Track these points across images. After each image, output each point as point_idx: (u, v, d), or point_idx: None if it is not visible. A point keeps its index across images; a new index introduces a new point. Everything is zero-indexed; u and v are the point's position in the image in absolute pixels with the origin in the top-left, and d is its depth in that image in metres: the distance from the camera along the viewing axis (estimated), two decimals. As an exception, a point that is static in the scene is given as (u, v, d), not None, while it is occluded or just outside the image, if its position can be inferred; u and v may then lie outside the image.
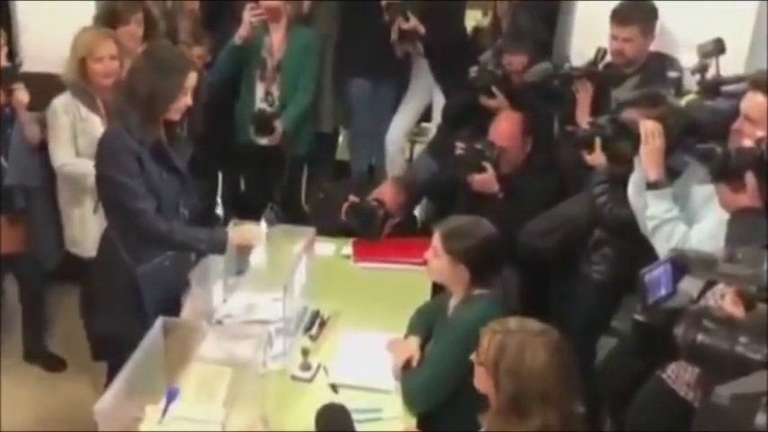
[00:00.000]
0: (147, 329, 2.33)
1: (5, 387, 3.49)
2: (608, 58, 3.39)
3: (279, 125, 3.96)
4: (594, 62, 3.37)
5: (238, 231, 2.73)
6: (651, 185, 2.40)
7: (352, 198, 3.50)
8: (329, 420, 2.24)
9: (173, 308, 2.64)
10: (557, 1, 3.95)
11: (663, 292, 1.57)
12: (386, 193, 3.55)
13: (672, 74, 3.22)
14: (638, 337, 1.60)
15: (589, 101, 3.33)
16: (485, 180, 3.31)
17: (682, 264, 1.63)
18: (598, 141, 2.63)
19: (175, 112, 2.63)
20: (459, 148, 3.36)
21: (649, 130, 2.38)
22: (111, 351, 2.69)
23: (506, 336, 1.89)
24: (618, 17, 3.32)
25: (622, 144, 2.50)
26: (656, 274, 1.59)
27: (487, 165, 3.30)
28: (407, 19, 3.90)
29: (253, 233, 2.75)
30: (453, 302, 2.54)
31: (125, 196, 2.56)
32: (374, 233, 3.44)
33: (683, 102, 2.58)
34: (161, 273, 2.67)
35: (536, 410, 1.83)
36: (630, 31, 3.31)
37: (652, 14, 3.37)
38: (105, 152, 2.62)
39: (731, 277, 1.63)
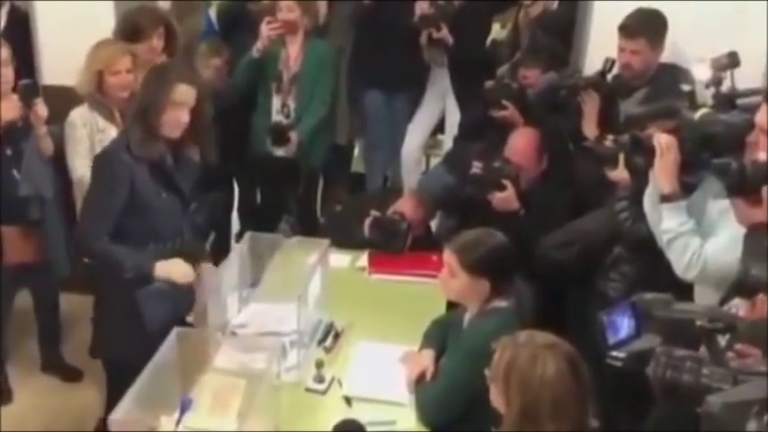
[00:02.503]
0: (151, 352, 2.31)
1: (21, 397, 3.52)
2: (616, 69, 3.37)
3: (294, 137, 3.98)
4: (602, 73, 3.36)
5: (164, 266, 2.68)
6: (665, 199, 2.39)
7: (374, 213, 3.48)
8: None
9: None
10: (572, 15, 3.95)
11: (623, 334, 1.61)
12: (406, 206, 3.54)
13: (685, 87, 3.20)
14: (612, 379, 1.65)
15: (596, 112, 3.31)
16: (506, 198, 3.29)
17: (641, 306, 1.66)
18: (621, 157, 2.62)
19: (170, 128, 2.60)
20: (476, 166, 3.35)
21: (664, 144, 2.37)
22: (116, 373, 2.69)
23: (516, 349, 1.89)
24: (626, 29, 3.29)
25: (638, 158, 2.49)
26: (615, 317, 1.64)
27: (507, 183, 3.29)
28: (440, 29, 3.90)
29: (179, 270, 2.72)
30: (468, 316, 2.54)
31: (90, 209, 2.65)
32: (398, 247, 3.42)
33: (698, 115, 2.57)
34: (161, 294, 2.67)
35: (548, 423, 1.82)
36: (638, 44, 3.28)
37: (661, 27, 3.33)
38: (98, 163, 2.68)
39: (688, 313, 1.67)
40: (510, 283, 2.51)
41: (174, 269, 2.70)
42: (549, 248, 3.10)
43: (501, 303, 2.48)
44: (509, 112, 3.55)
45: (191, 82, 2.63)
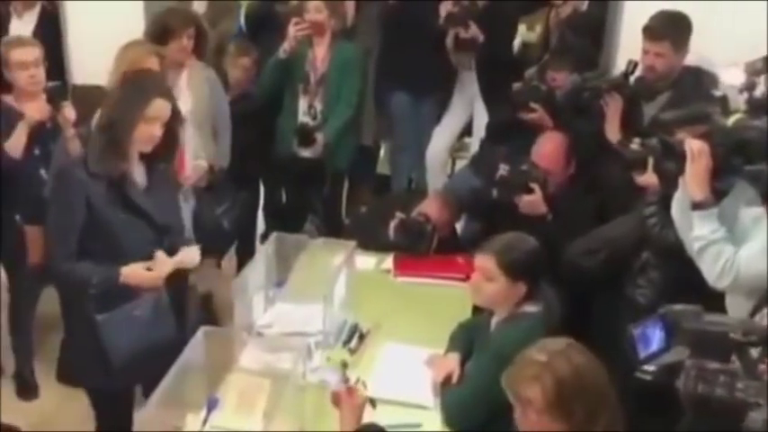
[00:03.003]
0: (115, 384, 2.30)
1: (47, 393, 3.55)
2: (639, 71, 3.32)
3: (321, 138, 3.98)
4: (625, 75, 3.32)
5: (129, 272, 2.46)
6: (697, 206, 2.34)
7: (399, 215, 3.46)
8: None
9: (150, 362, 2.35)
10: (602, 15, 3.91)
11: (654, 347, 1.58)
12: (431, 207, 3.52)
13: (717, 92, 3.15)
14: (642, 399, 1.62)
15: (619, 115, 3.26)
16: (533, 201, 3.25)
17: (671, 319, 1.62)
18: (650, 161, 2.58)
19: (142, 144, 2.44)
20: (503, 169, 3.31)
21: (696, 150, 2.32)
22: (92, 396, 2.62)
23: (550, 369, 1.84)
24: (650, 31, 3.25)
25: (668, 164, 2.45)
26: (644, 330, 1.61)
27: (535, 186, 3.26)
28: (468, 27, 3.85)
29: (142, 276, 2.48)
30: (496, 320, 2.52)
31: (51, 230, 2.52)
32: (423, 250, 3.41)
33: (731, 121, 2.53)
34: (128, 322, 2.46)
35: (601, 419, 1.81)
36: (662, 46, 3.23)
37: (685, 29, 3.27)
38: (55, 180, 2.57)
39: (719, 325, 1.63)
40: (539, 287, 2.49)
41: (138, 275, 2.46)
42: (577, 255, 3.06)
43: (531, 308, 2.46)
44: (538, 114, 3.52)
45: (167, 96, 2.48)
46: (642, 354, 1.58)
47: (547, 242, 2.60)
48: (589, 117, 3.46)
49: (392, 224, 3.44)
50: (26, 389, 3.66)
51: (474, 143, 4.37)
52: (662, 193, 2.66)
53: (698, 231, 2.34)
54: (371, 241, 3.43)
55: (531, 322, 2.41)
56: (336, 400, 2.20)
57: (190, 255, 2.58)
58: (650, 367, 1.65)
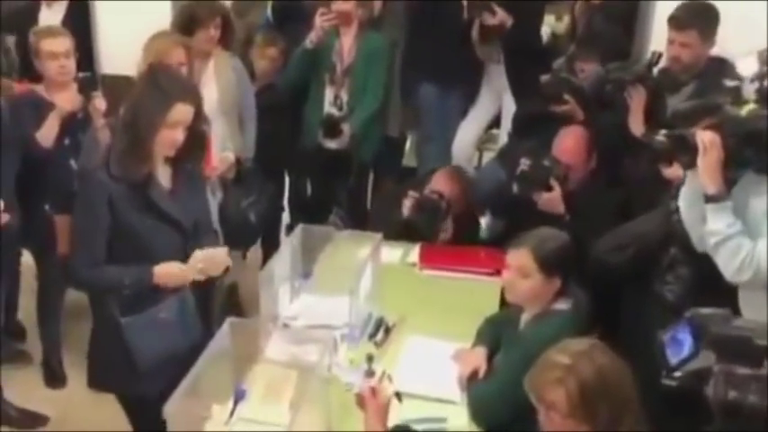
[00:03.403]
0: (142, 389, 2.26)
1: (74, 383, 3.58)
2: (663, 62, 3.25)
3: (347, 129, 3.97)
4: (648, 66, 3.25)
5: (162, 271, 2.39)
6: (710, 199, 2.28)
7: (412, 193, 3.43)
8: None
9: (177, 365, 2.25)
10: (634, 2, 3.82)
11: (685, 352, 1.54)
12: (442, 183, 3.48)
13: (729, 82, 3.07)
14: (669, 400, 1.58)
15: (642, 108, 3.20)
16: (551, 199, 3.22)
17: (698, 322, 1.58)
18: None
19: (165, 147, 2.35)
20: (524, 164, 3.27)
21: (707, 141, 2.25)
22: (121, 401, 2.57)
23: (574, 372, 1.83)
24: (676, 20, 3.16)
25: (682, 157, 2.39)
26: (674, 336, 1.57)
27: (554, 183, 3.21)
28: (494, 13, 3.77)
29: (175, 275, 2.42)
30: (526, 316, 2.50)
31: (75, 236, 2.45)
32: (437, 226, 3.37)
33: (743, 111, 2.46)
34: (155, 326, 2.41)
35: (625, 419, 1.80)
36: (689, 36, 3.15)
37: (713, 19, 3.19)
38: (78, 184, 2.52)
39: (747, 330, 1.59)
40: (570, 284, 2.46)
41: (174, 272, 2.40)
42: (604, 252, 3.02)
43: (562, 305, 2.44)
44: (570, 106, 3.47)
45: (189, 100, 2.37)
46: (673, 360, 1.54)
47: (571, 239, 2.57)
48: (613, 109, 3.41)
49: (405, 203, 3.41)
50: (54, 377, 3.70)
51: (502, 135, 4.34)
52: None
53: (712, 225, 2.28)
54: (387, 224, 3.40)
55: (562, 320, 2.39)
56: (361, 401, 2.19)
57: (218, 257, 2.49)
58: (676, 373, 1.61)
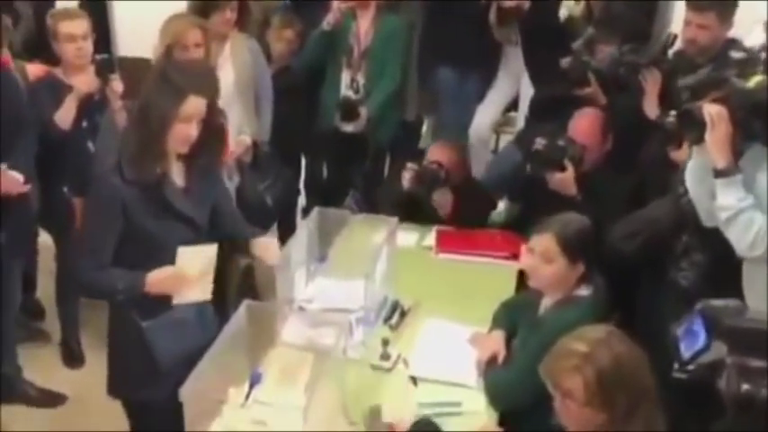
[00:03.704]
0: (164, 393, 2.19)
1: (91, 364, 3.61)
2: (678, 44, 3.18)
3: (364, 112, 3.96)
4: (663, 49, 3.18)
5: (154, 279, 2.27)
6: (720, 174, 2.22)
7: (411, 165, 3.45)
8: None
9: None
10: None
11: (699, 344, 1.51)
12: (439, 153, 3.49)
13: (736, 54, 2.99)
14: (680, 394, 1.56)
15: (657, 91, 3.14)
16: (564, 180, 3.18)
17: (711, 315, 1.56)
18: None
19: (178, 143, 2.25)
20: (539, 143, 3.24)
21: (714, 114, 2.20)
22: (133, 412, 2.50)
23: (591, 360, 1.82)
24: (695, 2, 3.07)
25: (689, 133, 2.34)
26: (687, 329, 1.54)
27: (568, 164, 3.19)
28: None
29: (171, 281, 2.30)
30: (547, 301, 2.49)
31: (83, 239, 2.38)
32: (437, 192, 3.40)
33: (751, 83, 2.39)
34: (175, 327, 2.36)
35: (642, 407, 1.79)
36: (707, 18, 3.06)
37: (732, 1, 3.10)
38: (92, 187, 2.37)
39: (761, 322, 1.56)
40: (592, 268, 2.45)
41: (165, 281, 2.28)
42: (617, 240, 2.99)
43: (583, 292, 2.43)
44: (593, 89, 3.43)
45: (203, 92, 2.25)
46: (686, 354, 1.52)
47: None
48: (627, 92, 3.36)
49: (405, 175, 3.43)
50: (72, 357, 3.74)
51: (520, 118, 4.30)
52: None
53: (723, 200, 2.24)
54: (391, 199, 3.43)
55: (583, 308, 2.38)
56: None
57: (272, 246, 2.50)
58: (689, 366, 1.59)
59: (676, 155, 2.65)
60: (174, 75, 2.23)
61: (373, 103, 3.99)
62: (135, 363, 2.37)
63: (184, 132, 2.23)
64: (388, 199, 3.51)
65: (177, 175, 2.34)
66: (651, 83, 3.16)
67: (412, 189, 3.42)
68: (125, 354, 2.41)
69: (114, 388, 2.49)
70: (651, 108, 3.16)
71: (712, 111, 2.21)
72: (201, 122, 2.25)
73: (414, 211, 3.43)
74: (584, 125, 3.29)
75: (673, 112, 2.63)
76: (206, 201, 2.41)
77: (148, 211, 2.25)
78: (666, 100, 3.12)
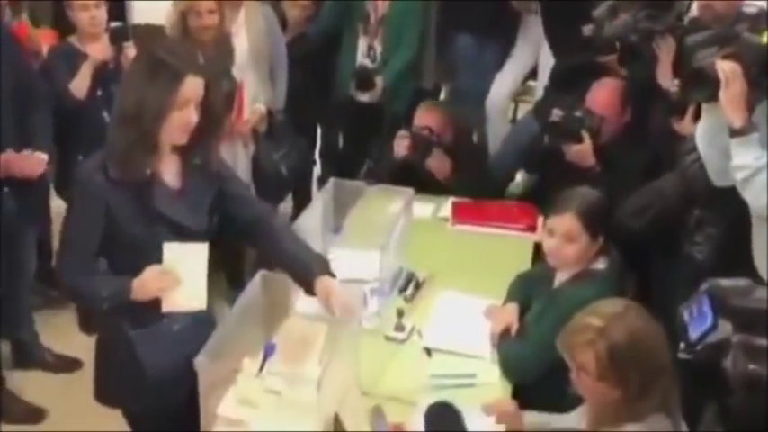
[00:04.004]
0: (153, 403, 2.12)
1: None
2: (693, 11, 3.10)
3: (380, 82, 3.91)
4: (678, 16, 3.10)
5: (141, 283, 2.06)
6: (736, 133, 2.14)
7: (403, 133, 3.47)
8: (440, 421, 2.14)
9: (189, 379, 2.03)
10: None
11: (707, 324, 1.48)
12: (427, 118, 3.50)
13: (749, 8, 2.89)
14: (687, 374, 1.53)
15: (671, 60, 3.07)
16: (581, 151, 3.13)
17: (718, 294, 1.52)
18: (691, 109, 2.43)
19: (175, 134, 2.01)
20: (556, 114, 3.19)
21: (728, 71, 2.11)
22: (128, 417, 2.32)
23: (605, 335, 1.81)
24: None
25: (700, 93, 2.24)
26: (693, 309, 1.50)
27: (585, 135, 3.13)
28: None
29: (156, 282, 2.07)
30: (562, 275, 2.47)
31: (65, 239, 2.18)
32: (427, 157, 3.43)
33: (764, 38, 2.30)
34: (166, 338, 2.15)
35: (658, 384, 1.78)
36: None
37: None
38: (75, 185, 2.10)
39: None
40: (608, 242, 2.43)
41: (151, 281, 2.06)
42: (626, 216, 2.94)
43: (599, 265, 2.41)
44: (615, 57, 3.36)
45: (201, 72, 2.02)
46: (693, 334, 1.49)
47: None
48: (642, 61, 3.28)
49: (400, 144, 3.45)
50: (88, 323, 3.76)
51: (539, 87, 4.24)
52: None
53: (739, 160, 2.16)
54: (385, 167, 3.44)
55: (599, 281, 2.36)
56: None
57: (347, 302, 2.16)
58: (697, 347, 1.56)
59: (680, 126, 2.59)
60: (167, 56, 1.98)
61: (390, 72, 3.94)
62: (123, 373, 2.17)
63: (184, 119, 1.99)
64: (385, 169, 3.50)
65: (170, 174, 2.09)
66: (665, 51, 3.08)
67: (407, 157, 3.42)
68: (112, 363, 2.21)
69: (102, 396, 2.29)
70: (665, 77, 3.08)
71: (725, 67, 2.12)
72: (200, 106, 2.03)
73: (410, 178, 3.37)
74: (602, 96, 3.23)
75: (676, 81, 2.55)
76: (203, 204, 2.14)
77: (135, 217, 2.03)
78: (681, 70, 3.04)
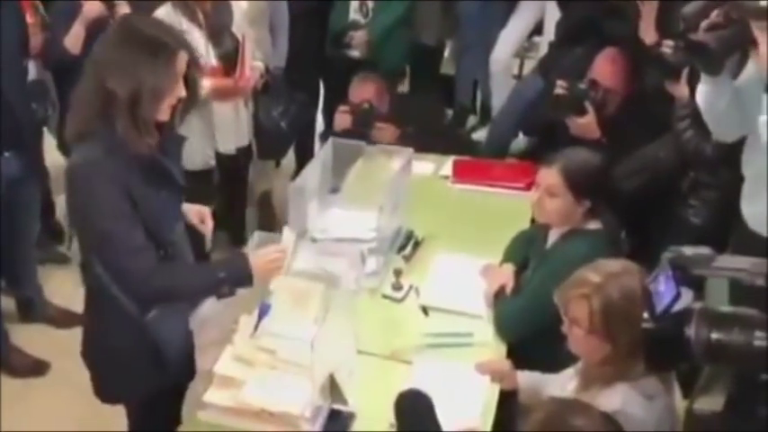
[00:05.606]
0: (168, 383, 2.14)
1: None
2: None
3: (361, 36, 3.85)
4: None
5: (262, 258, 2.10)
6: None
7: (343, 108, 3.59)
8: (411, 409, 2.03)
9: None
10: None
11: (669, 297, 1.47)
12: (360, 93, 3.59)
13: None
14: (650, 345, 1.52)
15: (654, 15, 2.99)
16: (585, 124, 3.06)
17: (680, 264, 1.50)
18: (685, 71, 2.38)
19: (167, 111, 1.98)
20: (560, 86, 3.12)
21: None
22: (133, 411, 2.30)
23: (600, 291, 1.83)
24: None
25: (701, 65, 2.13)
26: (658, 282, 1.49)
27: (589, 107, 3.07)
28: None
29: (277, 261, 2.12)
30: (554, 234, 2.47)
31: (109, 250, 1.98)
32: (370, 128, 3.52)
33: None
34: (177, 315, 2.12)
35: None
36: None
37: None
38: (79, 190, 1.97)
39: (729, 270, 1.52)
40: (601, 206, 2.41)
41: (268, 262, 2.12)
42: (617, 178, 2.89)
43: (591, 225, 2.40)
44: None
45: (184, 44, 1.99)
46: (658, 308, 1.48)
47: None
48: (620, 17, 3.20)
49: (342, 118, 3.56)
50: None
51: (543, 43, 4.19)
52: (694, 104, 2.41)
53: None
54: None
55: (591, 240, 2.35)
56: None
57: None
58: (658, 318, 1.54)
59: (675, 88, 2.54)
60: (157, 32, 1.94)
61: (376, 26, 3.88)
62: (138, 362, 2.11)
63: (175, 96, 1.96)
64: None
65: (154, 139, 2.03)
66: (648, 7, 3.00)
67: (351, 130, 3.47)
68: (121, 355, 2.13)
69: (107, 393, 2.23)
70: (648, 34, 3.01)
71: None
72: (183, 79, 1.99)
73: None
74: (607, 67, 3.13)
75: (669, 43, 2.50)
76: (179, 159, 2.15)
77: (151, 189, 1.99)
78: (664, 26, 2.97)
